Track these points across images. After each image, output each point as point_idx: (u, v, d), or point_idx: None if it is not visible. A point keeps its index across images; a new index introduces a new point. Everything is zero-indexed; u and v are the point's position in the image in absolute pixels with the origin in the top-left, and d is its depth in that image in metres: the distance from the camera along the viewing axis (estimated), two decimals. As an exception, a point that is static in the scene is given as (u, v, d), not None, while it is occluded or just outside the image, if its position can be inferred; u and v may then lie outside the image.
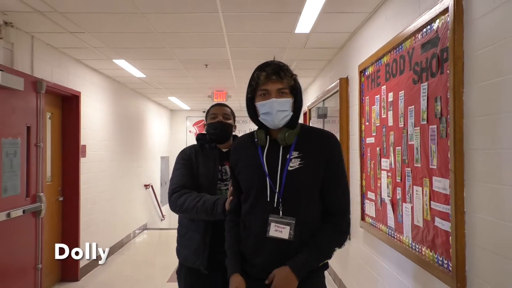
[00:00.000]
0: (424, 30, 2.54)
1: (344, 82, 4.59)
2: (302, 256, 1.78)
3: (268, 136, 1.89)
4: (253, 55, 5.30)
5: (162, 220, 10.94)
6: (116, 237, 7.10)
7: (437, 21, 2.36)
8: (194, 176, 2.38)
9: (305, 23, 3.99)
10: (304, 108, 7.90)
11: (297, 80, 1.89)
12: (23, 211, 3.74)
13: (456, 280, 2.12)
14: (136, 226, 8.46)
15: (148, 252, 7.50)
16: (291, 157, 1.83)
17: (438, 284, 2.38)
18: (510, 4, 1.78)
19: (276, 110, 1.81)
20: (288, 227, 1.79)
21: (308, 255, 1.79)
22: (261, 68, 1.87)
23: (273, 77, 1.82)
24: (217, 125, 2.47)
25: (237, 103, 10.04)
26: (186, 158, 2.44)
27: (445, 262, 2.28)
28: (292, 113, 1.85)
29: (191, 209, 2.23)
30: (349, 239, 4.34)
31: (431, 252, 2.46)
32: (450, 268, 2.20)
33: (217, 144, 2.49)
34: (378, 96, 3.42)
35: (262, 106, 1.84)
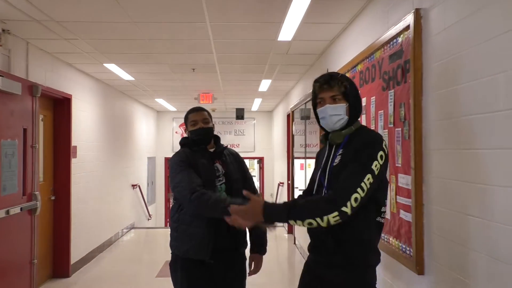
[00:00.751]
0: (391, 43, 2.84)
1: (324, 87, 4.88)
2: (279, 203, 1.97)
3: (328, 140, 2.16)
4: (238, 60, 5.58)
5: (148, 219, 11.13)
6: (105, 235, 7.30)
7: (401, 36, 2.67)
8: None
9: (287, 32, 4.28)
10: (288, 110, 8.21)
11: (349, 86, 2.08)
12: (21, 209, 3.95)
13: (416, 263, 2.43)
14: (124, 225, 8.65)
15: (136, 250, 7.70)
16: (337, 154, 2.06)
17: (402, 269, 2.69)
18: (458, 25, 2.08)
19: (329, 114, 2.05)
20: None
21: (283, 204, 1.95)
22: (316, 80, 2.14)
23: (324, 86, 2.07)
24: (199, 131, 2.67)
25: (223, 105, 10.30)
26: (185, 159, 2.60)
27: (408, 249, 2.58)
28: (346, 117, 2.06)
29: (211, 207, 2.38)
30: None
31: (397, 241, 2.77)
32: (411, 254, 2.50)
33: (201, 145, 2.69)
34: (354, 100, 3.71)
35: (320, 112, 2.11)
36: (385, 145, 1.97)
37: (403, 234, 2.66)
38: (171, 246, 2.72)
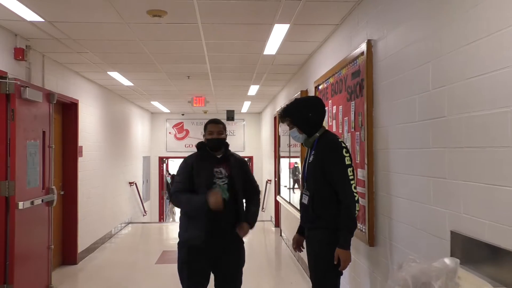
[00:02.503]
0: (353, 63, 3.53)
1: (304, 94, 5.57)
2: (341, 236, 2.77)
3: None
4: (229, 69, 6.26)
5: (144, 215, 11.73)
6: (106, 228, 7.93)
7: (359, 59, 3.35)
8: (191, 179, 3.25)
9: (271, 47, 4.95)
10: (275, 112, 8.88)
11: (291, 118, 2.97)
12: (42, 200, 4.58)
13: (368, 238, 3.11)
14: (122, 219, 9.26)
15: (134, 241, 8.34)
16: (311, 154, 2.94)
17: (360, 244, 3.38)
18: (393, 56, 2.76)
19: (292, 136, 3.05)
20: (307, 197, 2.93)
21: (341, 234, 2.77)
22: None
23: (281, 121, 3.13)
24: (213, 141, 3.32)
25: (214, 107, 10.96)
26: (189, 164, 3.31)
27: (364, 227, 3.27)
28: (301, 134, 2.95)
29: (180, 202, 3.31)
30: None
31: (358, 223, 3.45)
32: (365, 231, 3.19)
33: (213, 151, 3.35)
34: (327, 108, 4.40)
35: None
36: (342, 142, 2.86)
37: (360, 216, 3.34)
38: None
